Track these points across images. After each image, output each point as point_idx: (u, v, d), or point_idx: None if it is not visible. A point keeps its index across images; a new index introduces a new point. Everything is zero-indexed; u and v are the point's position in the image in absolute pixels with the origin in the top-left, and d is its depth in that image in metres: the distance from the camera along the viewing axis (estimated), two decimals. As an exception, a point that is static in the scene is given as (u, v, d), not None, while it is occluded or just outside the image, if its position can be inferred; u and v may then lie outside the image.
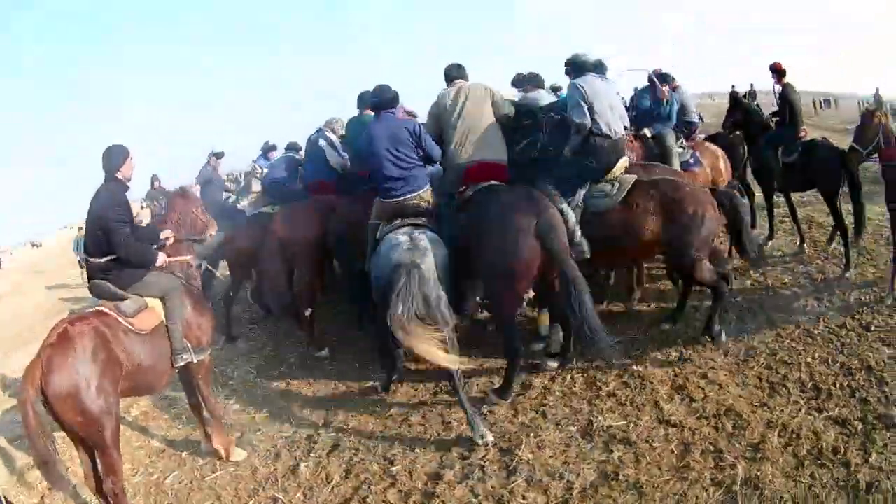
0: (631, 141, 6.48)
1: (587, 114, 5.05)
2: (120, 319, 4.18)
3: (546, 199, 4.87)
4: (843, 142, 7.05)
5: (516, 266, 4.65)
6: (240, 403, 5.67)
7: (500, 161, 5.21)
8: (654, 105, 7.07)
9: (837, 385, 4.45)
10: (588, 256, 5.03)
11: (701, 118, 8.41)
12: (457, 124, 5.16)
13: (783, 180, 7.33)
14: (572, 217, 5.01)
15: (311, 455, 4.67)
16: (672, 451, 4.01)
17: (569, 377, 5.13)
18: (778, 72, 7.48)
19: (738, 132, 8.06)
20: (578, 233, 5.03)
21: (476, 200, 5.00)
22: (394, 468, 4.35)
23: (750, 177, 8.11)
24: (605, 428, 4.36)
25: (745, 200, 6.28)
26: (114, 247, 4.22)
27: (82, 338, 3.88)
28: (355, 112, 6.64)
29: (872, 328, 5.14)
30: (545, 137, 5.42)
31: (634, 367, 5.09)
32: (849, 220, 6.68)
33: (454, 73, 5.44)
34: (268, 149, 9.93)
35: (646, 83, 7.38)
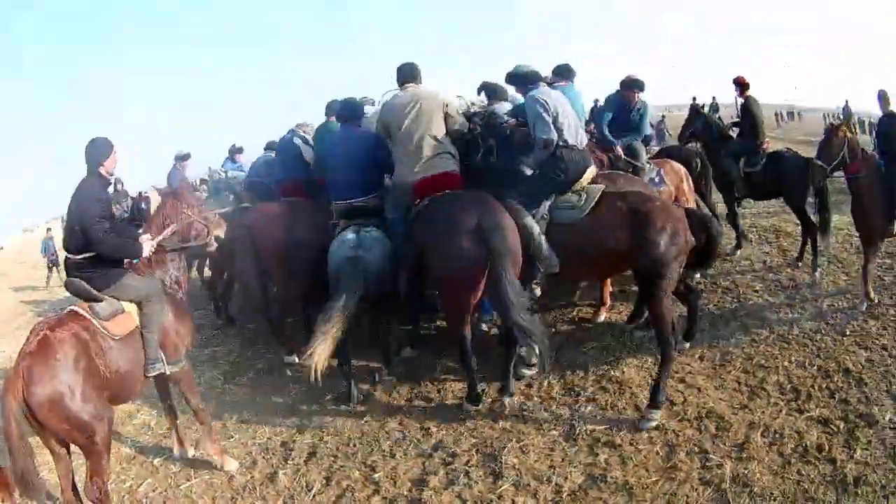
0: (593, 152, 6.20)
1: (552, 128, 4.91)
2: (96, 323, 4.02)
3: (494, 202, 4.77)
4: (807, 154, 7.32)
5: (461, 271, 4.60)
6: (209, 410, 5.46)
7: (452, 171, 5.10)
8: (621, 113, 6.98)
9: (816, 387, 4.59)
10: (557, 271, 4.93)
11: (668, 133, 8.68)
12: (406, 136, 5.03)
13: (746, 190, 7.64)
14: (536, 230, 4.88)
15: (289, 462, 4.57)
16: (657, 453, 4.06)
17: (545, 383, 5.16)
18: (741, 85, 7.81)
19: (691, 145, 8.32)
20: (545, 245, 4.88)
21: (424, 209, 4.95)
22: (376, 475, 4.29)
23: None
24: (588, 432, 4.40)
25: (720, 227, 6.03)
26: (91, 243, 4.05)
27: (63, 344, 3.74)
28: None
29: (847, 333, 5.31)
30: (507, 151, 5.38)
31: (612, 373, 5.15)
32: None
33: (407, 76, 5.24)
34: (235, 151, 9.86)
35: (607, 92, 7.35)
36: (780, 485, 3.62)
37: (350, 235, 5.05)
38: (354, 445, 4.67)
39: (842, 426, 4.09)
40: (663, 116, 19.45)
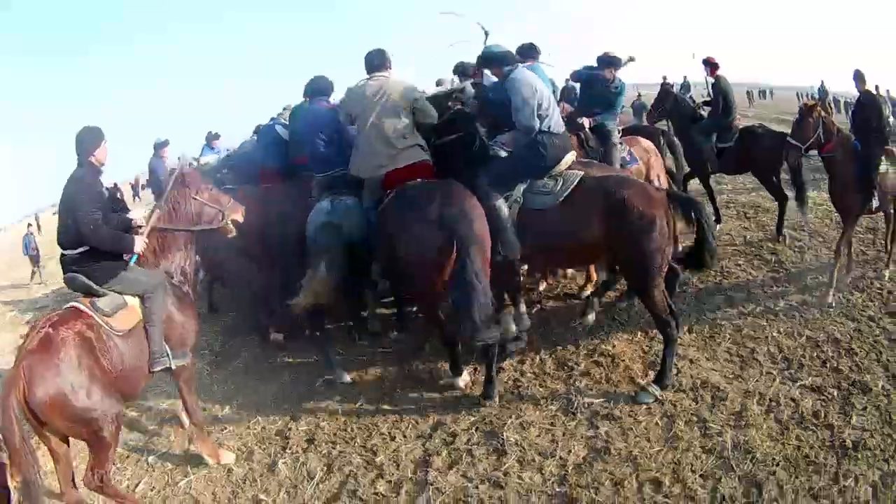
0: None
1: (536, 115, 4.84)
2: (99, 320, 3.94)
3: (461, 190, 4.68)
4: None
5: (423, 260, 4.52)
6: (199, 402, 5.35)
7: (422, 162, 5.00)
8: (596, 90, 6.76)
9: (807, 356, 4.77)
10: (518, 257, 4.90)
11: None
12: (373, 128, 4.92)
13: (718, 164, 7.96)
14: (505, 212, 4.83)
15: (287, 451, 4.52)
16: (657, 424, 4.17)
17: (538, 359, 5.24)
18: (711, 64, 8.17)
19: (659, 123, 8.62)
20: (510, 230, 4.82)
21: (392, 200, 4.86)
22: (377, 458, 4.28)
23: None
24: (586, 405, 4.48)
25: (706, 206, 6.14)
26: (82, 235, 3.99)
27: (65, 342, 3.68)
28: None
29: (833, 304, 5.50)
30: (483, 133, 5.30)
31: (603, 347, 5.25)
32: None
33: (375, 63, 5.08)
34: (211, 138, 9.78)
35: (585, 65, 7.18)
36: (780, 450, 3.76)
37: (324, 203, 5.13)
38: (352, 430, 4.66)
39: (835, 394, 4.27)
40: (639, 94, 19.62)
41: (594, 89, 6.80)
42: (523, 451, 4.12)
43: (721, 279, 6.38)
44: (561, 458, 4.00)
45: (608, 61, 6.70)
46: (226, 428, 4.96)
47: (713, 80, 8.11)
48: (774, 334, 5.13)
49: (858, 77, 6.23)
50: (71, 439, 3.85)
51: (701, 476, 3.66)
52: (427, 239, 4.43)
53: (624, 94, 7.00)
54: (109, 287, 4.07)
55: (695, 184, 8.49)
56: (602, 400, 4.53)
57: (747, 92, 33.21)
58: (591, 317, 5.68)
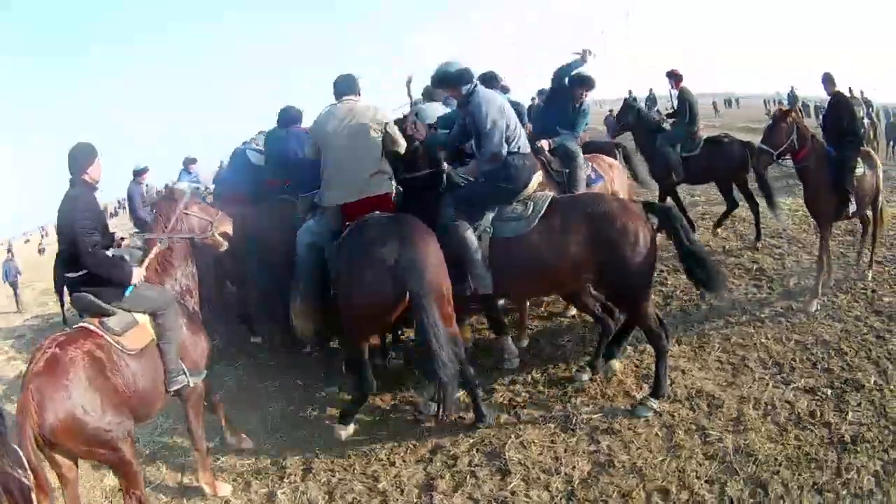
0: None
1: (503, 139, 4.67)
2: (109, 339, 3.85)
3: (418, 231, 4.49)
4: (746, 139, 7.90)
5: (370, 306, 4.40)
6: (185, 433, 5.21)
7: (385, 194, 4.85)
8: (563, 110, 6.61)
9: (797, 360, 4.93)
10: (490, 291, 4.78)
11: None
12: (338, 154, 4.80)
13: (684, 174, 8.21)
14: (474, 244, 4.68)
15: (285, 481, 4.43)
16: (657, 435, 4.24)
17: (530, 378, 5.27)
18: (675, 77, 8.52)
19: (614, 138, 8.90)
20: (481, 264, 4.69)
21: (348, 236, 4.70)
22: (380, 485, 4.24)
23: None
24: (584, 421, 4.52)
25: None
26: (81, 257, 3.88)
27: (74, 363, 3.58)
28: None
29: (818, 310, 5.68)
30: (448, 169, 5.08)
31: (593, 363, 5.25)
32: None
33: (344, 89, 4.97)
34: (189, 162, 9.87)
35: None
36: (781, 451, 3.87)
37: (310, 223, 5.12)
38: (349, 457, 4.58)
39: (829, 393, 4.43)
40: (610, 111, 20.06)
41: (557, 109, 6.65)
42: (527, 469, 4.13)
43: (704, 291, 6.46)
44: (566, 474, 4.03)
45: (580, 81, 6.51)
46: (218, 458, 4.81)
47: (678, 92, 8.42)
48: (763, 340, 5.28)
49: (828, 79, 6.30)
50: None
51: (707, 481, 3.74)
52: (377, 285, 4.31)
53: (588, 115, 6.85)
54: (119, 305, 4.00)
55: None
56: (600, 415, 4.58)
57: (713, 102, 34.15)
58: (586, 376, 5.20)
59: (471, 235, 4.69)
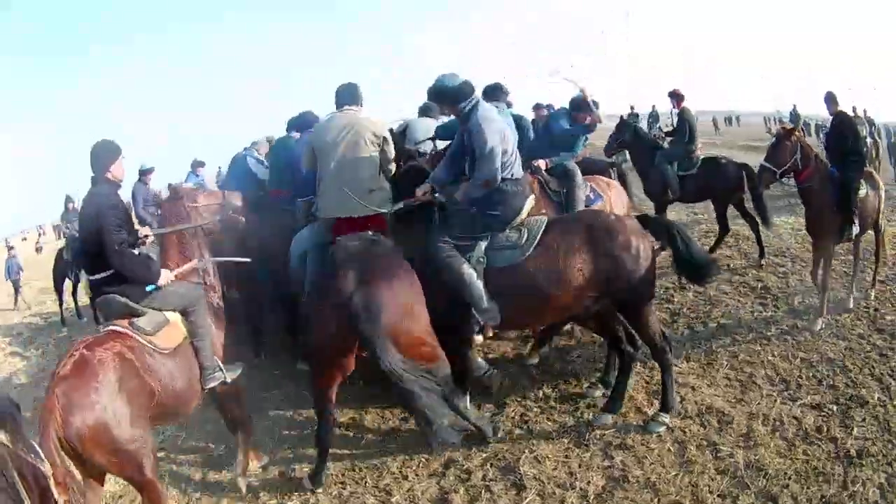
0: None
1: (499, 164, 4.46)
2: (141, 339, 3.76)
3: (386, 267, 4.26)
4: (746, 158, 8.09)
5: (318, 339, 4.25)
6: (191, 441, 5.35)
7: (376, 214, 4.67)
8: (563, 129, 6.49)
9: (804, 377, 5.10)
10: (499, 322, 4.60)
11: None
12: (334, 166, 4.66)
13: (680, 192, 8.46)
14: (473, 277, 4.48)
15: (295, 493, 4.44)
16: (670, 450, 4.37)
17: (542, 393, 5.35)
18: (677, 96, 8.86)
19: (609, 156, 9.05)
20: (484, 296, 4.48)
21: (329, 254, 4.55)
22: (393, 499, 4.28)
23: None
24: (598, 437, 4.62)
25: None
26: (108, 256, 3.80)
27: (104, 365, 3.44)
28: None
29: (823, 326, 5.87)
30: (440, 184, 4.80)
31: (605, 379, 5.38)
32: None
33: (345, 99, 4.83)
34: (196, 165, 10.04)
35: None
36: (790, 465, 4.03)
37: (304, 232, 5.12)
38: (360, 470, 4.60)
39: (835, 409, 4.60)
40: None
41: (557, 131, 6.51)
42: (542, 484, 4.19)
43: (711, 308, 6.70)
44: (581, 489, 4.11)
45: (582, 105, 6.35)
46: (224, 469, 4.80)
47: (679, 111, 8.75)
48: (770, 358, 5.44)
49: (830, 99, 6.31)
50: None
51: (719, 496, 3.88)
52: (328, 320, 4.12)
53: (585, 137, 6.76)
54: (148, 304, 3.93)
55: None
56: (613, 430, 4.67)
57: (713, 119, 34.51)
58: (598, 392, 5.27)
59: (468, 270, 4.49)
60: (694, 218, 10.61)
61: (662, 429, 4.60)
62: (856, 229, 6.01)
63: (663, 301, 6.98)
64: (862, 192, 6.05)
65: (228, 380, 4.22)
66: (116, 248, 3.81)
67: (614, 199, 6.61)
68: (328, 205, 4.70)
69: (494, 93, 6.04)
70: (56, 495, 2.77)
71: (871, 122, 14.88)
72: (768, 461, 4.08)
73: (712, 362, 5.51)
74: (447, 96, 4.56)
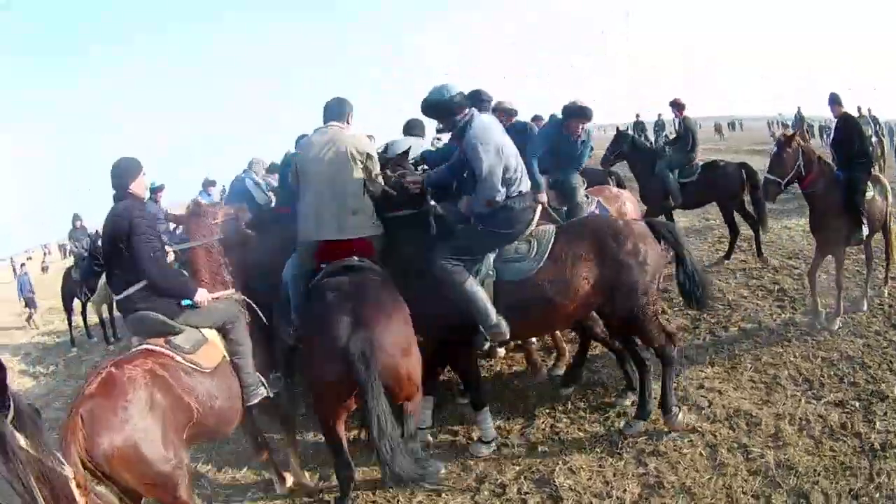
0: None
1: (500, 182, 4.32)
2: (178, 358, 3.61)
3: (377, 304, 4.02)
4: (752, 161, 8.33)
5: (318, 383, 4.04)
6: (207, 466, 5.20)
7: (363, 238, 4.48)
8: (561, 146, 6.19)
9: (825, 375, 5.27)
10: (508, 337, 4.54)
11: None
12: (315, 185, 4.47)
13: (681, 199, 8.67)
14: (479, 295, 4.36)
15: None
16: (702, 454, 4.50)
17: (570, 403, 5.41)
18: (678, 105, 9.11)
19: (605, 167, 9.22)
20: (493, 313, 4.37)
21: (312, 290, 4.33)
22: None
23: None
24: (630, 444, 4.72)
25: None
26: (142, 266, 3.64)
27: (133, 383, 3.27)
28: None
29: (840, 325, 6.06)
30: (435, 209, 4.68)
31: (633, 386, 5.38)
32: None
33: (332, 114, 4.61)
34: (208, 184, 10.15)
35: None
36: (819, 462, 4.19)
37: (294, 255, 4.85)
38: (391, 489, 4.42)
39: (857, 405, 4.77)
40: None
41: (557, 145, 6.19)
42: (578, 495, 4.23)
43: (731, 312, 6.88)
44: (618, 497, 4.17)
45: (576, 112, 6.02)
46: (249, 491, 4.75)
47: (681, 119, 9.02)
48: (791, 359, 5.61)
49: (835, 100, 6.28)
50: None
51: (753, 497, 4.01)
52: (328, 366, 3.85)
53: (591, 146, 6.51)
54: (185, 321, 3.78)
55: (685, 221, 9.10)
56: (645, 437, 4.75)
57: (716, 125, 34.71)
58: (628, 401, 5.28)
59: (473, 285, 4.35)
60: (706, 224, 10.82)
61: (634, 430, 4.77)
62: (865, 231, 6.01)
63: (683, 307, 6.91)
64: (869, 195, 6.07)
65: (271, 394, 4.18)
66: (152, 256, 3.69)
67: (623, 208, 6.56)
68: (308, 227, 4.48)
69: (473, 101, 5.44)
70: (77, 498, 2.55)
71: (875, 121, 14.84)
72: (797, 459, 4.23)
73: (736, 366, 5.66)
74: (440, 110, 4.42)
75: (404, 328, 4.05)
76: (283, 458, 4.74)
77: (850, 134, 6.16)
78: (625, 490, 4.24)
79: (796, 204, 7.76)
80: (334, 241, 4.40)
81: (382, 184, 4.56)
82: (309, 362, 4.15)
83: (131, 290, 3.73)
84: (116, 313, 9.85)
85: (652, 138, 15.31)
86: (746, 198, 8.54)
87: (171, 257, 4.53)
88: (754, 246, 8.45)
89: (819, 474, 4.08)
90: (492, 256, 4.48)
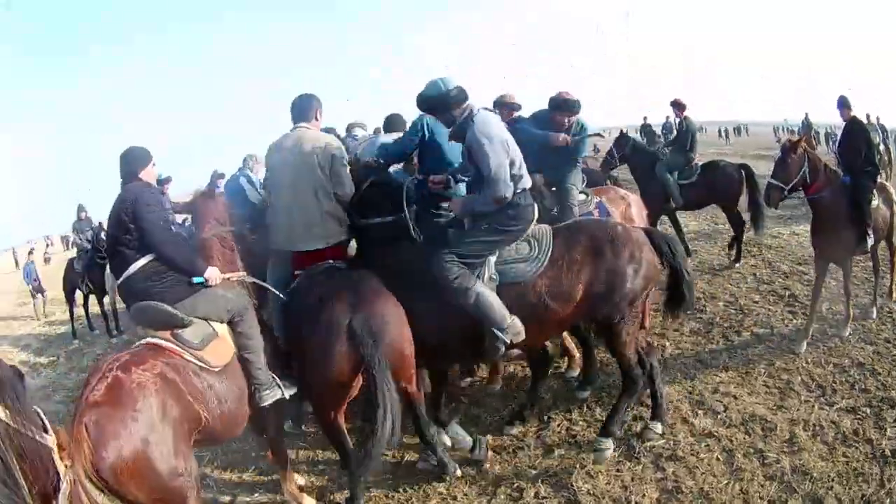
0: None
1: (509, 180, 4.14)
2: (186, 355, 3.38)
3: (375, 288, 4.06)
4: (758, 166, 8.45)
5: (325, 375, 3.90)
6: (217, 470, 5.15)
7: (334, 246, 4.45)
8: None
9: (837, 381, 5.39)
10: (524, 338, 4.29)
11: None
12: (283, 190, 4.39)
13: (681, 200, 8.76)
14: (489, 297, 4.18)
15: None
16: (718, 459, 4.57)
17: (585, 407, 5.44)
18: (679, 105, 9.17)
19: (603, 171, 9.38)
20: (507, 314, 4.19)
21: (295, 291, 4.27)
22: None
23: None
24: (648, 449, 4.71)
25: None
26: (150, 236, 3.43)
27: (143, 390, 3.05)
28: None
29: (851, 331, 6.18)
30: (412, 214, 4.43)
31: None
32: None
33: (298, 114, 4.47)
34: (217, 176, 10.22)
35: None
36: (832, 468, 4.29)
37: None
38: (406, 490, 4.53)
39: (868, 411, 4.89)
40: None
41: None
42: (597, 499, 4.25)
43: (743, 317, 6.99)
44: (636, 502, 4.22)
45: (561, 105, 5.77)
46: (255, 492, 4.73)
47: (681, 120, 9.10)
48: (804, 364, 5.72)
49: (844, 103, 6.10)
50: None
51: (769, 502, 4.10)
52: (331, 353, 3.83)
53: (587, 140, 6.28)
54: (191, 309, 3.54)
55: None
56: (662, 442, 4.77)
57: (722, 129, 34.72)
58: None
59: (481, 289, 4.16)
60: (715, 228, 10.93)
61: (607, 454, 4.59)
62: (870, 241, 5.92)
63: (695, 311, 7.18)
64: (874, 203, 5.97)
65: (287, 396, 3.89)
66: (160, 224, 3.49)
67: (628, 211, 6.29)
68: (279, 238, 4.42)
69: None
70: (60, 469, 2.48)
71: (883, 129, 14.80)
72: (812, 465, 4.33)
73: (750, 371, 5.75)
74: (437, 104, 4.19)
75: (400, 311, 4.06)
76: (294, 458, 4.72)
77: (858, 140, 6.01)
78: (643, 495, 4.27)
79: (805, 210, 7.81)
80: (305, 252, 4.35)
81: (353, 188, 4.43)
82: (308, 354, 3.97)
83: (132, 268, 3.48)
84: (120, 305, 9.93)
85: (662, 141, 15.35)
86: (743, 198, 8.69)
87: None
88: (781, 255, 8.67)
89: (833, 480, 4.18)
90: (493, 258, 4.28)
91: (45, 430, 2.49)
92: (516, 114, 6.28)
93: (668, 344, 6.45)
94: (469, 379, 6.10)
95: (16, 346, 10.75)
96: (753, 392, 5.42)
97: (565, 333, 5.79)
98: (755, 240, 9.24)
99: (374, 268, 4.32)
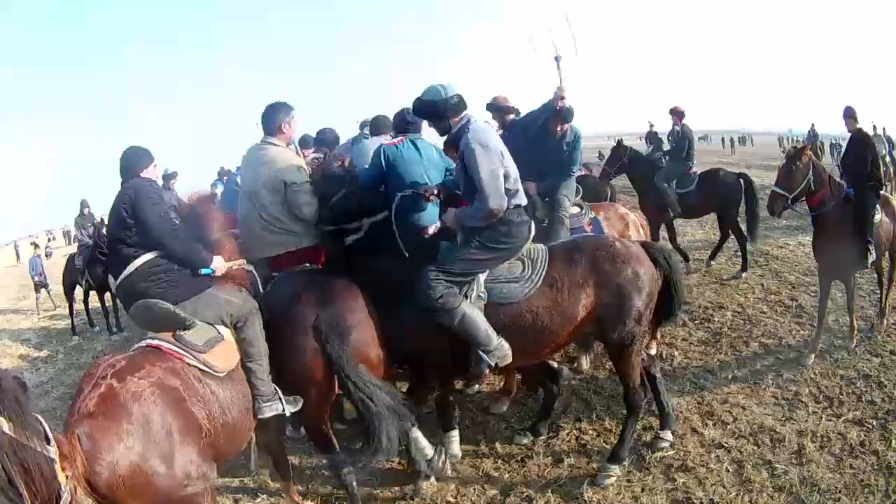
0: None
1: (503, 191, 4.00)
2: (188, 359, 3.24)
3: (342, 287, 4.07)
4: (762, 176, 8.46)
5: (293, 373, 3.88)
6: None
7: (313, 248, 4.50)
8: (549, 144, 5.78)
9: (844, 393, 5.46)
10: (511, 359, 4.17)
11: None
12: (250, 202, 4.38)
13: (680, 209, 8.84)
14: (474, 316, 4.03)
15: None
16: (728, 470, 4.61)
17: (594, 416, 5.46)
18: (678, 113, 9.20)
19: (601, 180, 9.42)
20: (494, 336, 4.06)
21: (268, 293, 4.22)
22: None
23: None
24: (658, 459, 4.73)
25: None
26: (151, 229, 3.35)
27: (139, 400, 2.88)
28: None
29: (857, 343, 6.26)
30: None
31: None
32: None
33: (270, 124, 4.43)
34: (223, 173, 10.26)
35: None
36: (840, 479, 4.36)
37: None
38: (413, 500, 4.53)
39: (874, 423, 4.96)
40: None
41: (543, 146, 5.75)
42: None
43: (751, 327, 7.05)
44: None
45: (552, 113, 5.65)
46: (257, 496, 4.74)
47: (679, 127, 9.13)
48: (812, 376, 5.78)
49: (849, 114, 5.98)
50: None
51: None
52: (300, 350, 3.83)
53: (580, 149, 6.08)
54: (194, 309, 3.44)
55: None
56: (672, 452, 4.80)
57: (728, 139, 34.69)
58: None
59: (468, 308, 4.02)
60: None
61: (608, 481, 4.51)
62: (871, 258, 5.84)
63: (703, 321, 7.34)
64: (877, 218, 5.90)
65: (288, 412, 3.72)
66: (161, 216, 3.41)
67: (627, 233, 5.97)
68: (244, 245, 4.34)
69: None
70: (61, 480, 2.42)
71: (889, 141, 14.70)
72: (820, 476, 4.39)
73: (759, 381, 5.81)
74: (434, 111, 4.10)
75: (370, 315, 4.04)
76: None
77: (863, 152, 5.92)
78: (653, 505, 4.30)
79: (808, 221, 7.86)
80: (275, 256, 4.39)
81: (313, 209, 4.38)
82: (278, 352, 3.86)
83: (131, 267, 3.38)
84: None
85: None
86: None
87: None
88: (787, 266, 8.72)
89: (840, 492, 4.24)
90: (483, 276, 4.14)
91: (48, 441, 2.44)
92: (509, 116, 6.15)
93: (676, 353, 6.52)
94: (477, 387, 6.08)
95: (15, 341, 10.75)
96: (762, 403, 5.48)
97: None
98: (762, 250, 9.32)
99: (350, 274, 4.29)
